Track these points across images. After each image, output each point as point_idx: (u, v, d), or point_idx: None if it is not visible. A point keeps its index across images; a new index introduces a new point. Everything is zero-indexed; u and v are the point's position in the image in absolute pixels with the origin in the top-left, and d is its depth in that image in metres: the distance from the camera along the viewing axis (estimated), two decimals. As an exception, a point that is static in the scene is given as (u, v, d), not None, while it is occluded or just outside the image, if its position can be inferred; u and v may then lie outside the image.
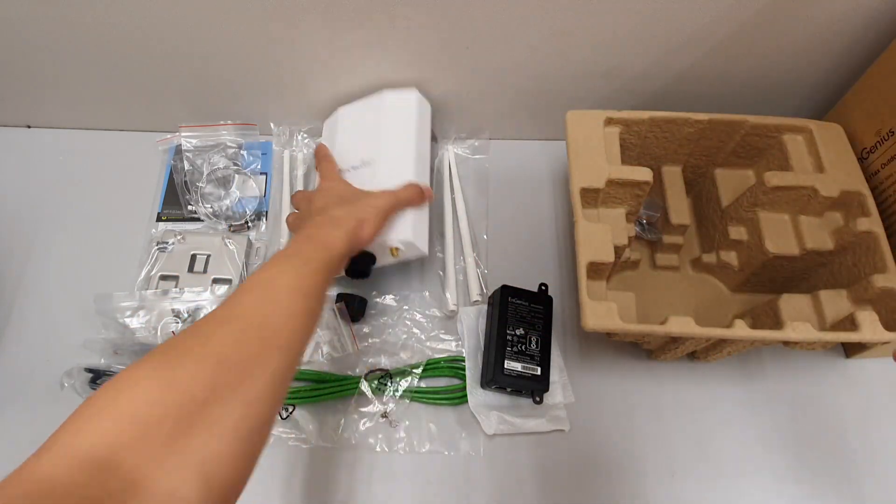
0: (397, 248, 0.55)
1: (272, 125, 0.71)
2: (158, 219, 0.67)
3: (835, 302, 0.51)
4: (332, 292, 0.62)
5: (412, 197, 0.56)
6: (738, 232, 0.59)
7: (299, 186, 0.69)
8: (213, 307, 0.58)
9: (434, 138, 0.72)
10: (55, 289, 0.64)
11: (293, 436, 0.56)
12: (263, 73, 0.65)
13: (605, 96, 0.66)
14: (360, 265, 0.55)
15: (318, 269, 0.42)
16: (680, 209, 0.62)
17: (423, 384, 0.58)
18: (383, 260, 0.57)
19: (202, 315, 0.59)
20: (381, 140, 0.60)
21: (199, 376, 0.31)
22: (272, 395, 0.34)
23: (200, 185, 0.67)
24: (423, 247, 0.57)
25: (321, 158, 0.60)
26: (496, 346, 0.55)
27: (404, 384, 0.57)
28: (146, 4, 0.56)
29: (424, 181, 0.59)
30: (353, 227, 0.48)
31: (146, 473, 0.27)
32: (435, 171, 0.71)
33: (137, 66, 0.64)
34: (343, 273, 0.55)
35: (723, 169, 0.63)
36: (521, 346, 0.56)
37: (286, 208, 0.67)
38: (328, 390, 0.57)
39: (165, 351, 0.32)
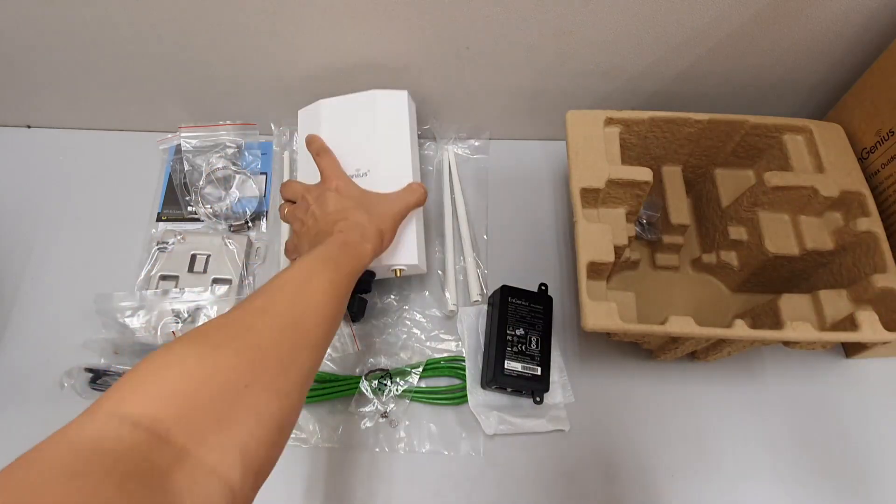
0: (401, 269, 0.56)
1: (272, 125, 0.71)
2: (158, 219, 0.67)
3: (835, 302, 0.51)
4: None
5: (419, 199, 0.56)
6: (738, 232, 0.59)
7: (299, 186, 0.69)
8: (213, 308, 0.59)
9: (433, 138, 0.72)
10: (55, 289, 0.64)
11: (293, 436, 0.56)
12: (263, 72, 0.65)
13: (605, 96, 0.66)
14: (363, 284, 0.55)
15: (349, 276, 0.44)
16: (680, 209, 0.62)
17: (423, 384, 0.58)
18: (381, 274, 0.58)
19: (202, 316, 0.59)
20: (377, 143, 0.59)
21: (240, 365, 0.32)
22: (302, 389, 0.36)
23: (200, 185, 0.67)
24: (424, 266, 0.58)
25: (322, 152, 0.56)
26: (496, 346, 0.55)
27: (404, 384, 0.57)
28: (146, 4, 0.56)
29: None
30: (378, 241, 0.49)
31: (191, 448, 0.27)
32: (435, 171, 0.71)
33: (137, 66, 0.64)
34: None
35: (723, 169, 0.63)
36: (521, 347, 0.56)
37: (286, 208, 0.67)
38: (328, 390, 0.57)
39: (207, 333, 0.34)
